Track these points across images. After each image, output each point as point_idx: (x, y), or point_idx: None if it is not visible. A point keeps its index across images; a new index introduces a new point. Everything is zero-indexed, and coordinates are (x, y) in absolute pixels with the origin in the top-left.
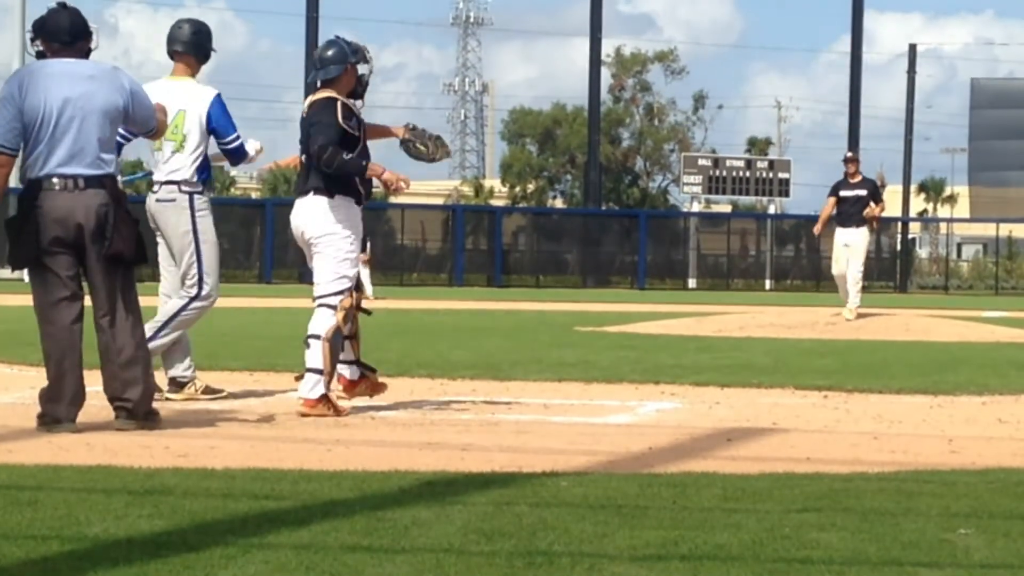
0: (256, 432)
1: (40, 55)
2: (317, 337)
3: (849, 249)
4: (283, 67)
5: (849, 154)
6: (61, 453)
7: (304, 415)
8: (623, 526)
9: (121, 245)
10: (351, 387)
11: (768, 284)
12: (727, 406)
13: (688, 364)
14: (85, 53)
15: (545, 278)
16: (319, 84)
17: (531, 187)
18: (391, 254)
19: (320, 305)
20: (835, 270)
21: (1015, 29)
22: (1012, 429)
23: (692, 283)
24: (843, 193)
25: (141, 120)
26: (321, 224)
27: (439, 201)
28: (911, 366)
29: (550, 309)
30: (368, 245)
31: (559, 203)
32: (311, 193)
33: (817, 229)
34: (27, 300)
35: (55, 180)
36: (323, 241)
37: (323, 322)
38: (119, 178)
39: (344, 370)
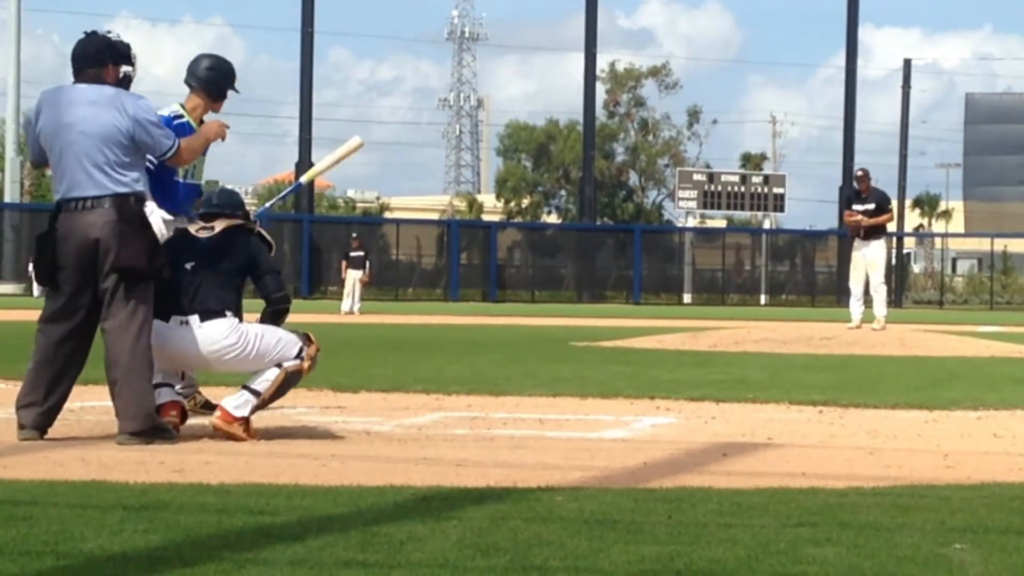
0: (251, 447)
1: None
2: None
3: (868, 263)
4: (280, 82)
5: (860, 172)
6: (56, 468)
7: (216, 428)
8: (618, 541)
9: (128, 259)
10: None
11: (763, 299)
12: (722, 421)
13: (683, 379)
14: (100, 80)
15: (540, 293)
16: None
17: (526, 202)
18: (386, 269)
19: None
20: (852, 282)
21: (1012, 44)
22: (1007, 444)
23: (687, 298)
24: (856, 207)
25: (146, 147)
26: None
27: (434, 216)
28: (906, 381)
29: (545, 324)
30: (368, 264)
31: (554, 218)
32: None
33: (862, 221)
34: (25, 316)
35: (67, 202)
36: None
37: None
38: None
39: (174, 394)
